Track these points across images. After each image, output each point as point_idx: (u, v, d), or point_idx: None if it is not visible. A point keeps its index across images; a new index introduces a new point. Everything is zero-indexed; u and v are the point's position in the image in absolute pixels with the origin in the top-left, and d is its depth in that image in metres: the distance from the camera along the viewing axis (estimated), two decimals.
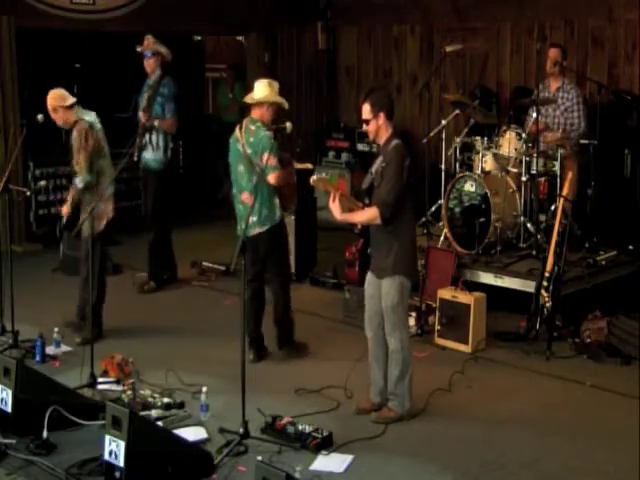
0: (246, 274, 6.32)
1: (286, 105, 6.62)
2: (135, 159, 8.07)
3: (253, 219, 6.39)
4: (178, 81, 8.31)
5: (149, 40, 8.23)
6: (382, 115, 5.49)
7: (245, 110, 6.59)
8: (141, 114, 8.13)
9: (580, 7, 9.63)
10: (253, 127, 6.46)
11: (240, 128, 6.52)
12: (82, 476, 4.84)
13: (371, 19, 11.57)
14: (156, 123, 8.09)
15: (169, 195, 8.40)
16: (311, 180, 5.71)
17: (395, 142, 5.49)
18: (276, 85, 6.59)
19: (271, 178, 6.39)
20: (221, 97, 12.94)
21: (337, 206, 5.52)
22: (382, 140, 5.56)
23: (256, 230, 6.48)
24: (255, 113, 6.51)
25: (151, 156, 8.23)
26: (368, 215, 5.52)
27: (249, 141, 6.45)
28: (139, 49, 8.22)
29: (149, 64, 8.24)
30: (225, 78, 13.01)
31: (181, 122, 8.34)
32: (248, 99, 6.59)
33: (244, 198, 6.50)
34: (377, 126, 5.50)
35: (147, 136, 8.17)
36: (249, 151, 6.44)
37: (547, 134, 8.06)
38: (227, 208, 12.21)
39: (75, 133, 6.85)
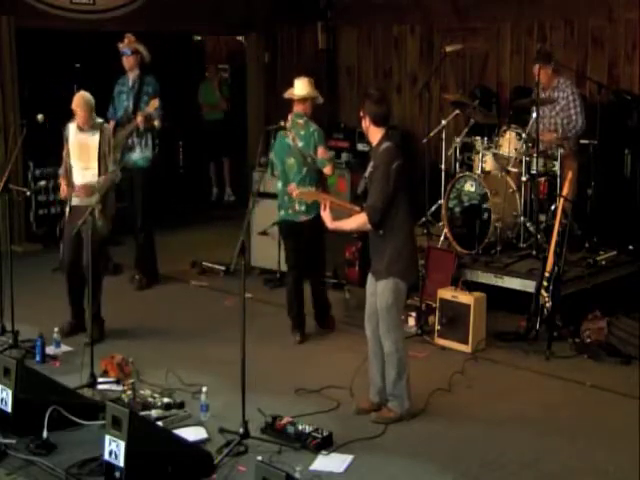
0: (288, 261, 7.17)
1: (321, 100, 7.11)
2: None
3: (301, 208, 6.87)
4: (178, 81, 8.34)
5: (130, 38, 8.35)
6: (367, 119, 5.52)
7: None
8: (139, 118, 8.22)
9: (580, 7, 9.62)
10: (301, 121, 6.92)
11: (285, 123, 6.91)
12: (82, 476, 4.84)
13: (371, 19, 11.57)
14: (156, 123, 8.20)
15: (157, 192, 8.63)
16: (294, 194, 5.95)
17: (385, 145, 5.48)
18: (312, 81, 7.04)
19: (329, 169, 6.94)
20: (208, 95, 12.74)
21: (328, 215, 5.56)
22: (374, 142, 5.58)
23: (302, 217, 6.91)
24: (299, 108, 6.94)
25: (140, 155, 8.39)
26: (358, 222, 5.53)
27: (300, 134, 6.88)
28: (120, 46, 8.32)
29: (129, 61, 8.36)
30: (211, 77, 12.90)
31: (179, 123, 8.40)
32: (291, 95, 6.96)
33: (291, 189, 6.77)
34: (366, 126, 5.56)
35: (134, 136, 8.33)
36: (300, 144, 6.86)
37: (545, 134, 8.06)
38: (225, 208, 12.42)
39: (107, 133, 7.06)
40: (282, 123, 6.91)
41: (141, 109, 8.29)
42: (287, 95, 6.99)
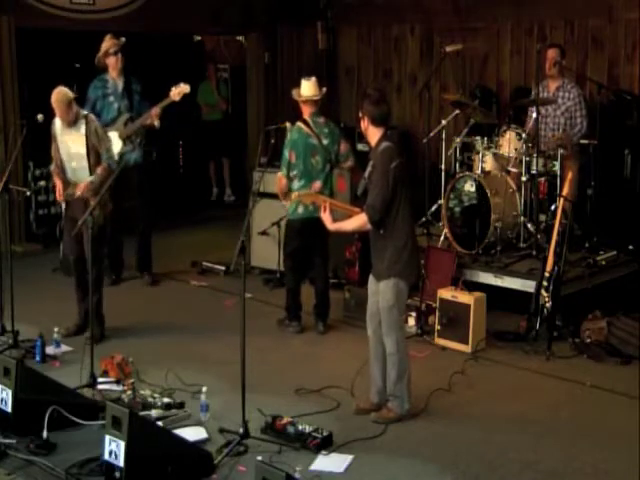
0: (292, 259, 7.24)
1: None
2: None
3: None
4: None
5: (114, 38, 8.33)
6: (366, 119, 5.52)
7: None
8: (157, 110, 8.20)
9: (580, 7, 9.61)
10: (321, 120, 7.10)
11: (305, 124, 7.00)
12: (82, 476, 4.84)
13: (371, 19, 11.56)
14: (156, 123, 8.22)
15: (156, 191, 8.77)
16: (293, 196, 6.02)
17: (384, 145, 5.48)
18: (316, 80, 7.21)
19: (351, 162, 7.30)
20: (207, 96, 12.69)
21: (328, 217, 5.57)
22: (373, 142, 5.57)
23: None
24: (313, 108, 7.06)
25: (137, 154, 8.42)
26: (358, 222, 5.54)
27: (324, 132, 7.07)
28: (111, 46, 8.29)
29: (121, 61, 8.35)
30: (210, 77, 12.88)
31: (179, 123, 8.40)
32: (305, 96, 7.00)
33: (316, 187, 6.99)
34: (365, 126, 5.55)
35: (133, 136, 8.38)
36: (326, 141, 7.06)
37: (553, 133, 8.09)
38: (225, 208, 12.42)
39: (93, 124, 6.95)
40: (302, 125, 6.94)
41: (136, 107, 8.32)
42: (301, 96, 7.02)
